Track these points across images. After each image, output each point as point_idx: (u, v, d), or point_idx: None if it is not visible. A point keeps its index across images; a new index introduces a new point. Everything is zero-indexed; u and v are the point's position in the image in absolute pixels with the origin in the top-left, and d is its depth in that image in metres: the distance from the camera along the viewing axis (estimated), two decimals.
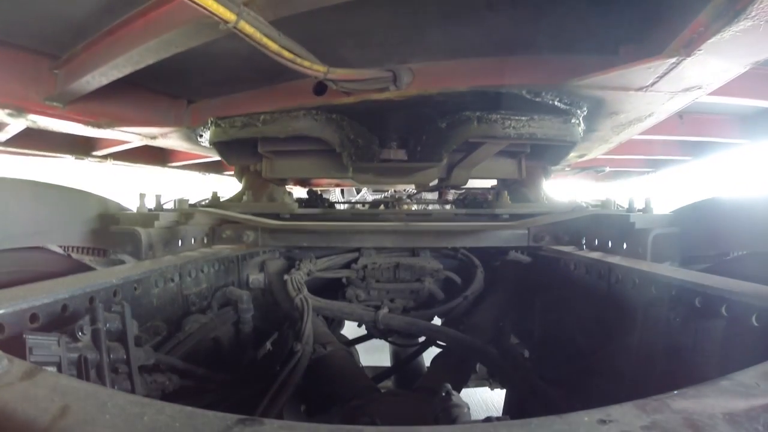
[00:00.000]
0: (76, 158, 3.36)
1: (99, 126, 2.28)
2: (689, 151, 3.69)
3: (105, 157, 3.46)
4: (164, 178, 4.58)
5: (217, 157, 3.65)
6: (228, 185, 4.97)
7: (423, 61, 1.90)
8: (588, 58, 1.76)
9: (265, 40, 1.32)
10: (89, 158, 3.42)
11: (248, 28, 1.24)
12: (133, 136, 2.64)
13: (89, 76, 1.76)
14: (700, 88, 1.78)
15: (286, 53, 1.42)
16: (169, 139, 2.71)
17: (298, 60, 1.47)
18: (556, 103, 1.92)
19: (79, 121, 2.18)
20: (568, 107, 1.97)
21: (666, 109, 2.14)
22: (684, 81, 1.69)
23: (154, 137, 2.68)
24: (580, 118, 2.12)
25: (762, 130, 2.91)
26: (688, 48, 1.36)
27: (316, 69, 1.54)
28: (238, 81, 2.17)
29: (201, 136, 2.51)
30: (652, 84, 1.73)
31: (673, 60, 1.46)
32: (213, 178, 4.88)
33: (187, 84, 2.27)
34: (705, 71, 1.58)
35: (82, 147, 3.31)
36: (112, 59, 1.64)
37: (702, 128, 2.94)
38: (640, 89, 1.79)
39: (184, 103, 2.43)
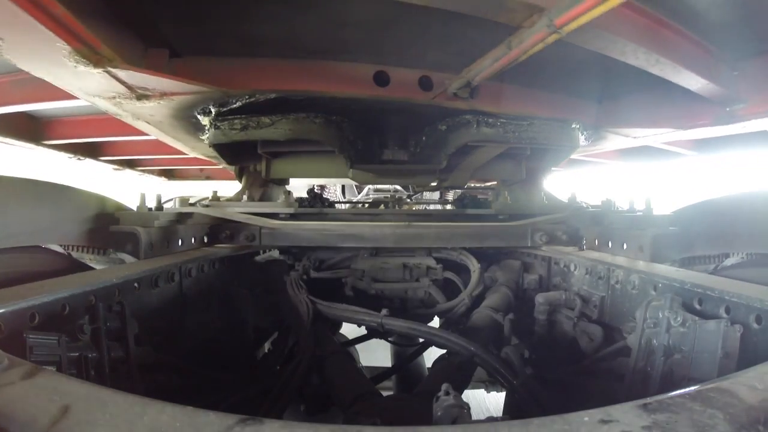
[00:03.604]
0: None
1: (96, 62, 1.41)
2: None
3: None
4: (33, 158, 3.36)
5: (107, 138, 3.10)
6: (104, 173, 4.09)
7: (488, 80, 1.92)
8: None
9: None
10: None
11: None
12: (119, 87, 1.68)
13: None
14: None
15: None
16: (152, 102, 1.86)
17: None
18: (582, 134, 2.40)
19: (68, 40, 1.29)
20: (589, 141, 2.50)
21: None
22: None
23: (142, 96, 1.79)
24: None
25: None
26: (688, 126, 2.17)
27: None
28: (264, 43, 1.75)
29: (198, 114, 2.03)
30: (645, 137, 2.56)
31: (676, 131, 2.28)
32: (89, 163, 3.72)
33: (180, 23, 1.60)
34: (683, 134, 2.38)
35: None
36: None
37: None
38: (635, 138, 2.59)
39: (165, 55, 1.68)
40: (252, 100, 1.90)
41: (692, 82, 1.74)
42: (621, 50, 1.55)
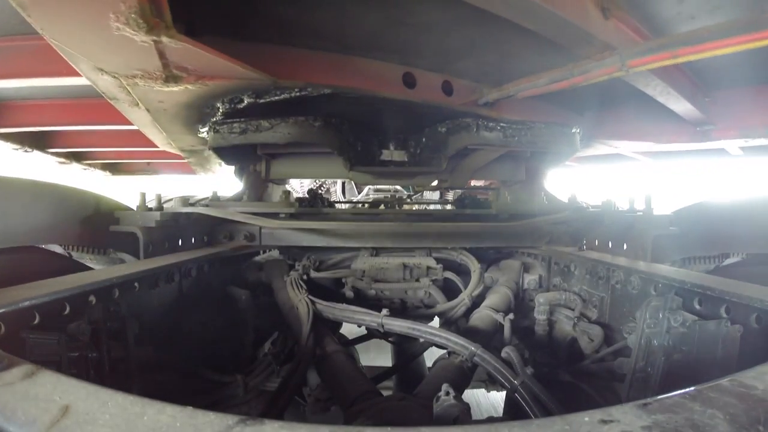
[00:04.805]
0: None
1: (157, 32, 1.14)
2: None
3: None
4: None
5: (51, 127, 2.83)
6: (47, 170, 3.77)
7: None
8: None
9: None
10: None
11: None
12: (152, 63, 1.36)
13: None
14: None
15: None
16: (180, 86, 1.54)
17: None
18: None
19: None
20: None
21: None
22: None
23: (173, 77, 1.48)
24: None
25: None
26: (667, 141, 2.55)
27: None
28: (312, 34, 1.61)
29: (220, 104, 1.79)
30: (625, 147, 2.94)
31: (656, 144, 2.67)
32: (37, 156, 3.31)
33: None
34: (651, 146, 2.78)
35: None
36: None
37: None
38: (616, 148, 2.96)
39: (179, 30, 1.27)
40: (303, 93, 1.72)
41: (681, 107, 2.08)
42: (646, 83, 1.74)
